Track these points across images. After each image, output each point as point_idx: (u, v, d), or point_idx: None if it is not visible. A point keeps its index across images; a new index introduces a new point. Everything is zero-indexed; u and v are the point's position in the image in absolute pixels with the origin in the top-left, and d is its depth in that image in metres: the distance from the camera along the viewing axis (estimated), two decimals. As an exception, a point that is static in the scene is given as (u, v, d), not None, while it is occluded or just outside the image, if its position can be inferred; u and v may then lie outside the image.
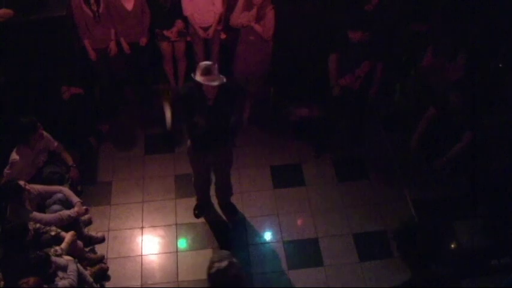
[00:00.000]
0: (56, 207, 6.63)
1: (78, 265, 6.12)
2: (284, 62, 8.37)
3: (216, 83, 5.97)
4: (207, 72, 5.96)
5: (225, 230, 7.38)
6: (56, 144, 7.20)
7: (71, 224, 6.59)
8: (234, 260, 4.48)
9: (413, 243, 4.40)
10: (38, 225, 6.18)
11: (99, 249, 7.14)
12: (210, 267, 4.42)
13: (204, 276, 6.67)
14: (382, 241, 7.14)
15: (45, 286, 5.38)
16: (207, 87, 6.02)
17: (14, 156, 6.76)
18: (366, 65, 7.31)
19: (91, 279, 6.37)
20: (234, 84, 6.58)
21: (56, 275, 5.68)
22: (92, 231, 7.25)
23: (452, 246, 7.21)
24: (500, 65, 7.64)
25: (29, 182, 6.62)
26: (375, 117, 8.64)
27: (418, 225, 4.55)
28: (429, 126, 7.28)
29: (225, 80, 6.04)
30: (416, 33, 8.03)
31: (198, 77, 5.95)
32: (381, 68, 7.42)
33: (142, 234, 7.34)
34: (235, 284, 4.42)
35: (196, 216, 7.50)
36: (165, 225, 7.41)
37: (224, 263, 4.39)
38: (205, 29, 8.21)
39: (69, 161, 7.34)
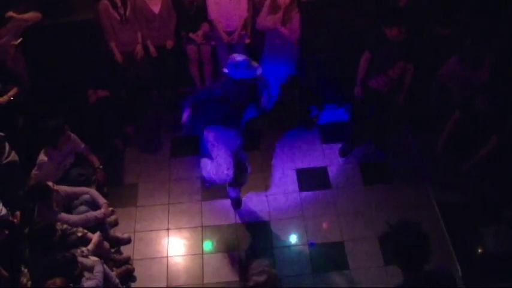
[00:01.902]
0: (82, 208, 6.69)
1: (105, 266, 6.16)
2: (310, 65, 8.35)
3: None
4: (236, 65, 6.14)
5: (250, 232, 7.37)
6: (82, 146, 7.26)
7: (98, 225, 6.66)
8: (273, 271, 4.47)
9: (402, 245, 4.33)
10: (65, 226, 6.25)
11: (125, 250, 7.18)
12: (248, 280, 4.41)
13: (229, 278, 6.78)
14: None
15: (72, 286, 5.42)
16: None
17: (42, 157, 6.83)
18: (400, 67, 7.22)
19: (117, 280, 6.41)
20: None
21: (82, 276, 5.72)
22: (118, 232, 7.30)
23: (479, 250, 7.14)
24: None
25: (56, 183, 6.68)
26: (402, 119, 8.59)
27: (403, 226, 4.44)
28: (455, 130, 7.22)
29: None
30: (440, 37, 7.96)
31: None
32: (412, 70, 7.31)
33: (168, 236, 7.37)
34: None
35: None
36: (190, 227, 7.43)
37: (263, 278, 4.38)
38: (230, 34, 8.24)
39: (96, 163, 7.39)
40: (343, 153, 8.22)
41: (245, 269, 4.61)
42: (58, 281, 5.22)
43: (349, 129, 8.20)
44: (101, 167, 7.43)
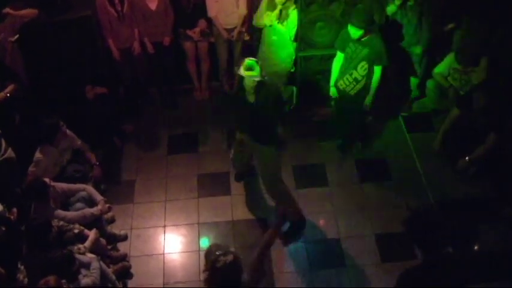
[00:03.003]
0: (79, 205, 6.68)
1: (101, 263, 6.15)
2: (307, 62, 8.34)
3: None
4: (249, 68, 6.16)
5: (247, 229, 7.37)
6: (79, 142, 7.26)
7: (94, 222, 6.65)
8: (236, 253, 4.56)
9: (426, 226, 4.37)
10: (61, 223, 6.23)
11: (122, 247, 7.17)
12: (215, 261, 4.45)
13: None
14: (404, 242, 7.07)
15: (67, 284, 5.40)
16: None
17: (38, 154, 6.82)
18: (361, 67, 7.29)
19: (114, 277, 6.41)
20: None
21: (79, 273, 5.72)
22: (115, 229, 7.30)
23: (476, 248, 7.15)
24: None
25: (53, 180, 6.68)
26: (398, 117, 8.60)
27: (429, 208, 4.51)
28: (453, 127, 7.23)
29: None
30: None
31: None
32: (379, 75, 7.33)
33: (164, 233, 7.37)
34: (239, 277, 4.50)
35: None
36: (187, 224, 7.43)
37: (230, 257, 4.43)
38: (229, 31, 8.25)
39: (93, 159, 7.39)
40: (342, 149, 8.21)
41: (206, 256, 4.65)
42: (52, 280, 5.18)
43: (347, 126, 8.18)
44: (98, 163, 7.43)
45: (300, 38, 7.89)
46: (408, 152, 8.20)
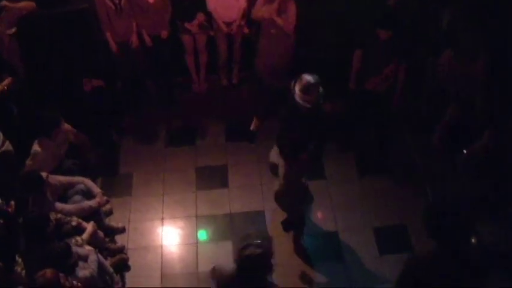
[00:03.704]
0: (77, 197, 6.68)
1: (99, 255, 6.16)
2: (306, 56, 8.34)
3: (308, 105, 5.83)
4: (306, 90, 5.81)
5: (245, 222, 7.39)
6: (72, 136, 7.21)
7: (92, 214, 6.65)
8: (271, 250, 4.53)
9: (447, 217, 4.39)
10: (59, 215, 6.23)
11: (120, 239, 7.19)
12: (244, 247, 4.45)
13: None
14: (402, 235, 7.11)
15: (63, 278, 5.39)
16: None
17: (36, 148, 6.80)
18: (394, 64, 7.27)
19: (111, 269, 6.42)
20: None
21: (76, 265, 5.72)
22: (113, 222, 7.31)
23: (474, 245, 7.16)
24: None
25: (51, 173, 6.67)
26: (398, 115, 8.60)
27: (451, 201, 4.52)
28: (451, 123, 7.23)
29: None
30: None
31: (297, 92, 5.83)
32: (405, 69, 7.36)
33: (162, 226, 7.39)
34: (263, 271, 4.52)
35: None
36: (185, 217, 7.45)
37: (259, 250, 4.41)
38: (229, 24, 8.23)
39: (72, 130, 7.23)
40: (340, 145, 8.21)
41: (243, 238, 4.64)
42: (48, 272, 5.15)
43: (345, 122, 8.16)
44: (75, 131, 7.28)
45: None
46: (407, 148, 8.21)
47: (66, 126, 7.07)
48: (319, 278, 6.82)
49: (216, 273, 4.89)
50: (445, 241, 4.50)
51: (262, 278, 4.62)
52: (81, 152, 7.45)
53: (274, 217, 7.38)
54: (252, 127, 6.62)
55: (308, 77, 5.79)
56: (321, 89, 5.85)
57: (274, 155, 6.83)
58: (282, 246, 7.09)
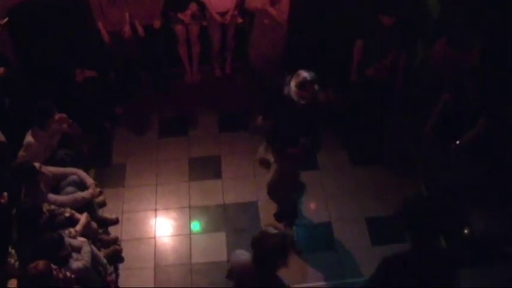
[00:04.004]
0: (70, 189, 6.67)
1: (92, 246, 6.16)
2: (299, 46, 8.32)
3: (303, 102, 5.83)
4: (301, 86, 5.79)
5: (238, 213, 7.40)
6: (65, 125, 7.20)
7: (85, 205, 6.64)
8: (292, 238, 4.57)
9: (422, 215, 4.35)
10: (52, 206, 6.23)
11: (113, 231, 7.19)
12: (263, 233, 4.56)
13: (217, 258, 6.80)
14: (395, 226, 7.12)
15: (55, 268, 5.38)
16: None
17: (29, 138, 6.78)
18: (394, 54, 7.27)
19: (105, 261, 6.43)
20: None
21: (70, 256, 5.72)
22: (106, 213, 7.32)
23: (467, 233, 7.19)
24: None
25: (44, 164, 6.65)
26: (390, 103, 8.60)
27: (428, 198, 4.48)
28: (445, 112, 7.23)
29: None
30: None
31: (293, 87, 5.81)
32: (405, 58, 7.38)
33: (155, 217, 7.39)
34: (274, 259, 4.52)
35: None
36: (178, 208, 7.45)
37: (275, 239, 4.46)
38: (222, 14, 8.20)
39: (67, 121, 7.25)
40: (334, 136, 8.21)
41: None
42: (41, 264, 5.13)
43: (339, 111, 8.16)
44: (75, 123, 7.33)
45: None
46: (400, 136, 8.22)
47: (60, 115, 7.05)
48: (311, 268, 6.83)
49: (232, 263, 4.90)
50: (415, 240, 4.49)
51: (276, 269, 4.62)
52: (74, 142, 7.43)
53: (267, 208, 7.38)
54: (258, 122, 6.60)
55: (305, 74, 5.78)
56: (316, 86, 5.84)
57: (263, 151, 6.84)
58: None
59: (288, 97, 5.87)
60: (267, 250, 4.47)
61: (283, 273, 6.55)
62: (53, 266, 5.24)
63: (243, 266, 4.72)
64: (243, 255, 4.76)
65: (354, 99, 8.02)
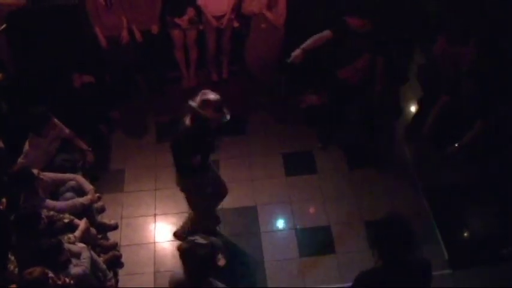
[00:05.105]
0: (69, 194, 6.67)
1: (92, 252, 6.15)
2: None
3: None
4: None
5: (237, 217, 7.40)
6: (67, 131, 7.21)
7: (84, 211, 6.63)
8: (216, 246, 4.73)
9: (389, 234, 4.27)
10: (51, 212, 6.22)
11: (112, 236, 7.18)
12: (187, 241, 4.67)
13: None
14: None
15: (51, 275, 5.36)
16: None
17: (28, 147, 6.80)
18: (366, 58, 7.22)
19: (104, 266, 6.41)
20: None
21: (69, 262, 5.71)
22: (105, 218, 7.31)
23: (464, 233, 7.21)
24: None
25: (42, 170, 6.65)
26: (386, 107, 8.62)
27: (393, 217, 4.39)
28: (442, 114, 7.24)
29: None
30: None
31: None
32: (382, 62, 7.27)
33: (155, 222, 7.38)
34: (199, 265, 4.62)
35: None
36: (177, 213, 7.42)
37: (200, 250, 4.57)
38: (218, 18, 8.21)
39: (83, 145, 7.35)
40: (324, 140, 8.21)
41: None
42: (37, 271, 5.11)
43: (330, 114, 8.15)
44: (90, 149, 7.42)
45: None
46: (397, 139, 8.24)
47: (57, 122, 7.05)
48: (311, 271, 6.82)
49: (171, 281, 5.01)
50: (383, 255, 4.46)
51: (208, 276, 4.74)
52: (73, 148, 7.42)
53: (266, 211, 7.42)
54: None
55: (211, 95, 5.72)
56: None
57: None
58: (273, 240, 7.14)
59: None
60: (196, 261, 4.60)
61: (283, 278, 6.61)
62: (50, 274, 5.22)
63: (178, 281, 4.86)
64: (179, 274, 4.86)
65: (338, 101, 8.00)
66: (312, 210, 7.45)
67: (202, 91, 5.77)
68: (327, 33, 7.10)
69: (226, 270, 5.85)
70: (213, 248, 4.65)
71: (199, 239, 4.66)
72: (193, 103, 5.68)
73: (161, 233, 7.27)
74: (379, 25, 7.01)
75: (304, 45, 6.97)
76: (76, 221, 6.37)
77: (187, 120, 5.83)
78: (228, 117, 5.80)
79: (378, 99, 7.69)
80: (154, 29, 8.19)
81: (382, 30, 7.08)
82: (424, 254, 6.38)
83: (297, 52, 6.93)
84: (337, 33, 7.09)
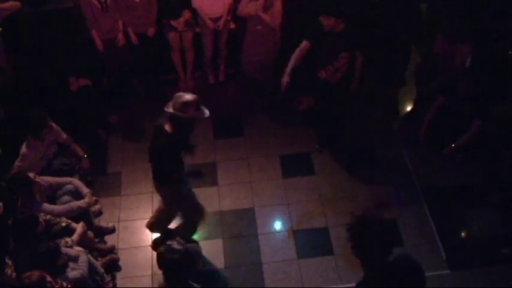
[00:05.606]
0: (66, 198, 6.66)
1: (89, 256, 6.15)
2: (292, 51, 8.33)
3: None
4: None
5: (234, 219, 7.38)
6: (65, 136, 7.21)
7: (81, 215, 6.63)
8: (192, 253, 4.92)
9: (367, 238, 4.24)
10: (48, 216, 6.22)
11: (110, 239, 7.17)
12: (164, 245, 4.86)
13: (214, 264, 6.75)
14: (392, 231, 7.11)
15: (49, 279, 5.34)
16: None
17: (25, 149, 6.80)
18: (344, 57, 7.21)
19: (102, 270, 6.41)
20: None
21: (67, 266, 5.71)
22: (102, 222, 7.30)
23: (462, 234, 7.20)
24: (510, 52, 7.55)
25: (40, 174, 6.64)
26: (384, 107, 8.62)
27: (370, 219, 4.33)
28: (438, 115, 7.24)
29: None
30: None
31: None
32: (361, 59, 7.25)
33: (152, 225, 7.35)
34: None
35: None
36: (175, 216, 7.41)
37: (175, 247, 4.79)
38: (215, 20, 8.20)
39: (80, 151, 7.35)
40: (321, 142, 8.21)
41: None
42: (35, 275, 5.10)
43: (326, 116, 8.14)
44: (86, 155, 7.40)
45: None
46: (395, 140, 8.23)
47: (55, 126, 7.04)
48: (308, 273, 6.82)
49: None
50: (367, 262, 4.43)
51: (186, 280, 4.92)
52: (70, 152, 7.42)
53: (264, 213, 7.41)
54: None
55: (187, 96, 5.73)
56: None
57: None
58: (271, 242, 7.13)
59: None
60: (168, 264, 4.80)
61: (281, 279, 6.60)
62: (48, 278, 5.21)
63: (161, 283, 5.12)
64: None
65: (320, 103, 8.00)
66: (309, 211, 7.43)
67: (176, 95, 5.78)
68: (304, 44, 7.22)
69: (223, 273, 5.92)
70: (187, 254, 4.80)
71: (175, 244, 4.83)
72: (170, 109, 5.66)
73: (158, 235, 7.22)
74: (353, 23, 7.03)
75: (288, 68, 7.20)
76: (73, 224, 6.36)
77: (167, 127, 5.79)
78: (208, 112, 5.85)
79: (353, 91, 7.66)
80: (151, 31, 8.19)
81: (357, 28, 7.11)
82: (423, 255, 6.49)
83: (285, 78, 7.24)
84: (313, 39, 7.17)
